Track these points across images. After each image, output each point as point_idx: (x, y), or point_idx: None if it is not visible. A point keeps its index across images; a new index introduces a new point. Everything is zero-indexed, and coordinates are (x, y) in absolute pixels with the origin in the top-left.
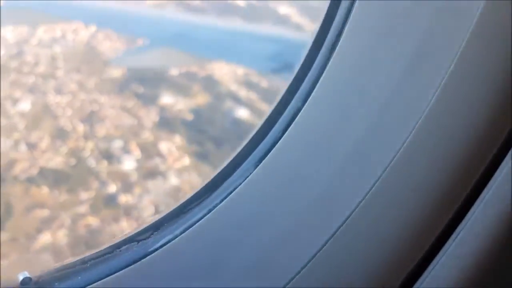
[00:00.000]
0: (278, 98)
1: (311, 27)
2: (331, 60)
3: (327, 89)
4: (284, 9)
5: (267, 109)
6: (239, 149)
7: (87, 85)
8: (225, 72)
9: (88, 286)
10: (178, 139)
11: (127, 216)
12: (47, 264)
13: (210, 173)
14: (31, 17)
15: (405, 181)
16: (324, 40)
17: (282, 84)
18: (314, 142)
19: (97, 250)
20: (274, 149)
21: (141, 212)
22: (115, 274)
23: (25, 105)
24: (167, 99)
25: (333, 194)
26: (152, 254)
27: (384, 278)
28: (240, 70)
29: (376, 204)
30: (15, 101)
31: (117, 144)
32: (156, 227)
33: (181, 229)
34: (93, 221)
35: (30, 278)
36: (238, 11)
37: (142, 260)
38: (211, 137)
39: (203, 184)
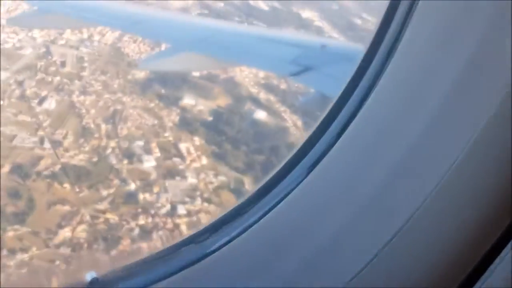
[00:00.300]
0: (331, 103)
1: (331, 31)
2: (389, 64)
3: (386, 91)
4: (306, 13)
5: (285, 111)
6: (292, 153)
7: (111, 86)
8: (246, 74)
9: (150, 286)
10: (197, 139)
11: (145, 214)
12: (66, 258)
13: (227, 173)
14: (60, 20)
15: (468, 183)
16: (381, 42)
17: (300, 87)
18: (371, 145)
19: (158, 251)
20: (331, 151)
21: (159, 210)
22: (176, 275)
23: (51, 103)
24: (188, 100)
25: (392, 196)
26: (211, 255)
27: (443, 279)
28: (261, 73)
29: (438, 206)
30: (41, 100)
31: (138, 143)
32: (213, 229)
33: (237, 231)
34: (112, 217)
35: (97, 279)
36: (262, 14)
37: (202, 261)
38: (229, 138)
39: (258, 187)
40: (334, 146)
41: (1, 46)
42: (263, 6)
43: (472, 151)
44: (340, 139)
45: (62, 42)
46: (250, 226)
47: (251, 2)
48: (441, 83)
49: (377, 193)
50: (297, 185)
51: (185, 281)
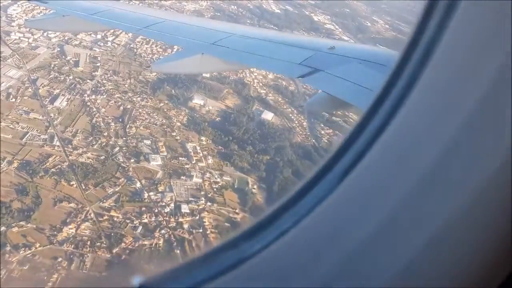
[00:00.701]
0: (364, 110)
1: (342, 33)
2: (425, 71)
3: (420, 98)
4: (318, 16)
5: (292, 112)
6: (324, 160)
7: (122, 85)
8: (255, 76)
9: None
10: (204, 139)
11: (149, 212)
12: (69, 255)
13: (232, 173)
14: (76, 23)
15: (503, 191)
16: (416, 46)
17: (309, 88)
18: (405, 151)
19: (197, 255)
20: (365, 157)
21: (163, 208)
22: (215, 280)
23: (62, 102)
24: (197, 101)
25: (425, 202)
26: (249, 260)
27: (483, 280)
28: (270, 75)
29: (474, 211)
30: (53, 98)
31: (146, 142)
32: (251, 233)
33: (273, 235)
34: (116, 215)
35: (143, 284)
36: (273, 17)
37: (240, 266)
38: (236, 138)
39: (292, 193)
40: (369, 152)
41: (17, 45)
42: (275, 8)
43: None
44: (374, 145)
45: (76, 42)
46: (286, 231)
47: (264, 5)
48: (475, 91)
49: (410, 198)
50: (332, 190)
51: (224, 285)
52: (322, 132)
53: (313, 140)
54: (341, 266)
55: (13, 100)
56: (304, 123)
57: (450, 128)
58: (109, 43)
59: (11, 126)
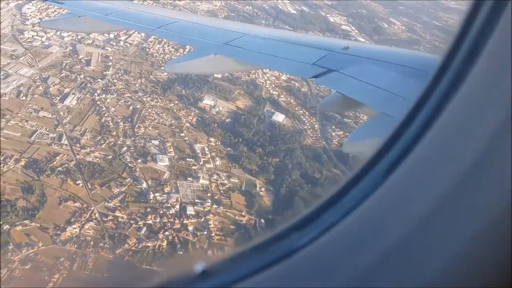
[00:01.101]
0: (408, 108)
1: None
2: (476, 65)
3: (466, 93)
4: (334, 17)
5: (304, 114)
6: (367, 158)
7: (133, 85)
8: (268, 77)
9: (238, 284)
10: (213, 140)
11: (154, 214)
12: (71, 255)
13: (240, 175)
14: (90, 23)
15: None
16: (461, 44)
17: (321, 89)
18: (448, 149)
19: (245, 247)
20: (409, 156)
21: (168, 210)
22: (263, 273)
23: (72, 101)
24: (207, 101)
25: (467, 197)
26: (296, 253)
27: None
28: (283, 76)
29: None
30: (63, 97)
31: (154, 142)
32: (297, 228)
33: (318, 230)
34: (121, 215)
35: (206, 270)
36: (289, 18)
37: (286, 259)
38: (245, 139)
39: (336, 189)
40: (413, 151)
41: (30, 44)
42: (291, 9)
43: None
44: (418, 144)
45: (89, 41)
46: (331, 226)
47: (280, 6)
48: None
49: (453, 194)
50: (376, 187)
51: (272, 278)
52: (333, 134)
53: (323, 142)
54: (380, 262)
55: (24, 98)
56: (316, 125)
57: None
58: (122, 43)
59: (20, 124)
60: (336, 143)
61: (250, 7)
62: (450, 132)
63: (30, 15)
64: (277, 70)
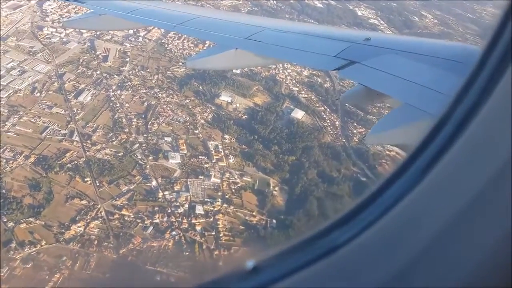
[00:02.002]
0: (442, 110)
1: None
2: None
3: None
4: (362, 11)
5: (325, 111)
6: (404, 157)
7: (149, 81)
8: (289, 73)
9: (282, 280)
10: (227, 138)
11: (162, 212)
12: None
13: (253, 173)
14: (112, 21)
15: None
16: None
17: (345, 85)
18: (483, 148)
19: (292, 243)
20: (445, 155)
21: (177, 209)
22: (308, 268)
23: (86, 97)
24: (224, 98)
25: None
26: (337, 251)
27: None
28: (305, 72)
29: None
30: (77, 93)
31: (166, 139)
32: (339, 224)
33: (359, 227)
34: (127, 214)
35: (256, 266)
36: (314, 12)
37: (331, 255)
38: (261, 137)
39: (375, 187)
40: (449, 151)
41: (48, 40)
42: (318, 3)
43: None
44: (455, 144)
45: (108, 37)
46: (371, 223)
47: (306, 0)
48: None
49: (486, 194)
50: (413, 187)
51: (314, 276)
52: (354, 131)
53: (343, 140)
54: (417, 260)
55: (38, 94)
56: (337, 122)
57: None
58: (141, 38)
59: (33, 120)
60: (357, 140)
61: (274, 1)
62: (487, 131)
63: (50, 11)
64: (298, 63)
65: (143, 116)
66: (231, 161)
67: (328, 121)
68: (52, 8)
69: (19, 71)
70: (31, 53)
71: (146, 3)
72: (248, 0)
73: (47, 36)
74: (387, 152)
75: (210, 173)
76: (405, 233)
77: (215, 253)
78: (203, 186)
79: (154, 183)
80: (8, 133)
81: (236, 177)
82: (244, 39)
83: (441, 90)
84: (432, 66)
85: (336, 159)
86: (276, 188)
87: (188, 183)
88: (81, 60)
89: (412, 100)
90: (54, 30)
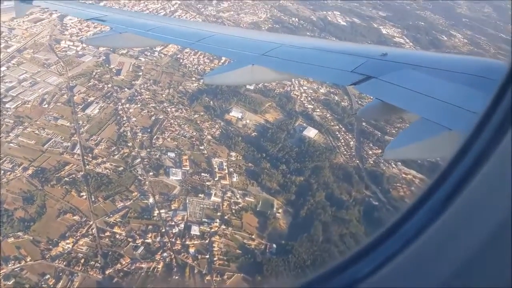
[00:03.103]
0: (459, 143)
1: (412, 48)
2: None
3: None
4: (387, 29)
5: (340, 130)
6: (427, 185)
7: (160, 95)
8: (305, 90)
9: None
10: (234, 155)
11: (155, 232)
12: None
13: (257, 194)
14: (131, 38)
15: None
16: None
17: (362, 104)
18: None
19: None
20: (464, 191)
21: (171, 228)
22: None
23: (94, 110)
24: (234, 113)
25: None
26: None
27: None
28: (322, 89)
29: None
30: (85, 105)
31: (170, 155)
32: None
33: (381, 259)
34: (119, 232)
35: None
36: (337, 29)
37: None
38: (269, 155)
39: (395, 219)
40: (468, 186)
41: (64, 53)
42: (341, 21)
43: None
44: (478, 175)
45: (123, 51)
46: (393, 255)
47: (329, 17)
48: None
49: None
50: (436, 217)
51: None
52: (370, 152)
53: (357, 161)
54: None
55: (46, 106)
56: (351, 142)
57: None
58: (156, 53)
59: (37, 132)
60: (372, 162)
61: (296, 19)
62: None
63: (70, 25)
64: (314, 78)
65: (149, 130)
66: (234, 179)
67: (343, 140)
68: (72, 22)
69: (30, 82)
70: (45, 65)
71: (164, 21)
72: (269, 17)
73: (63, 49)
74: (404, 175)
75: (211, 192)
76: (426, 265)
77: (207, 278)
78: (202, 205)
79: (151, 200)
80: (10, 144)
81: (238, 196)
82: (260, 55)
83: (458, 104)
84: (449, 80)
85: (347, 181)
86: (280, 210)
87: (187, 201)
88: (94, 73)
89: (429, 114)
90: (71, 43)
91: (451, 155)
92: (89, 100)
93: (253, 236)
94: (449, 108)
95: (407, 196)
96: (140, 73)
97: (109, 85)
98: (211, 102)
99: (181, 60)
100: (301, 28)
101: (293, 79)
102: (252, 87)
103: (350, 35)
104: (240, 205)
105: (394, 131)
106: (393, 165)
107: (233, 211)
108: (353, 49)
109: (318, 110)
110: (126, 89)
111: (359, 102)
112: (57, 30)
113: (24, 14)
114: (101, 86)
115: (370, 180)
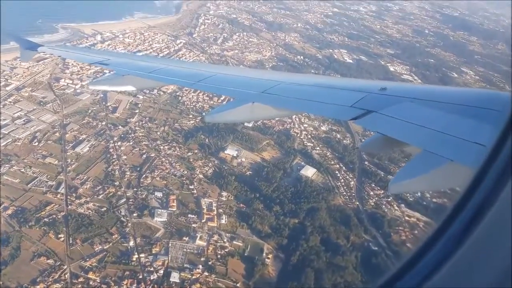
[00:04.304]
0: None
1: (419, 85)
2: None
3: None
4: (395, 67)
5: (340, 169)
6: (439, 222)
7: (154, 133)
8: (305, 127)
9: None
10: (225, 195)
11: (132, 278)
12: None
13: (247, 237)
14: (133, 80)
15: None
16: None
17: (363, 140)
18: None
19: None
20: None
21: (150, 275)
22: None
23: (84, 148)
24: (230, 151)
25: None
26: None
27: None
28: (324, 127)
29: None
30: (76, 144)
31: (157, 195)
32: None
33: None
34: (94, 278)
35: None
36: (342, 67)
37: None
38: (263, 196)
39: (405, 259)
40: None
41: (62, 91)
42: (348, 59)
43: None
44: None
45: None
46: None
47: (335, 55)
48: None
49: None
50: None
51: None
52: (371, 193)
53: (357, 202)
54: None
55: (36, 144)
56: (352, 182)
57: None
58: (155, 91)
59: (23, 170)
60: (373, 204)
61: (301, 57)
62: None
63: (72, 64)
64: (313, 114)
65: (139, 169)
66: (223, 221)
67: (342, 180)
68: (74, 61)
69: (24, 120)
70: (41, 103)
71: (165, 63)
72: (274, 56)
73: (62, 87)
74: (407, 218)
75: (197, 235)
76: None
77: None
78: (185, 249)
79: (131, 243)
80: None
81: (225, 240)
82: (260, 92)
83: (459, 135)
84: (448, 112)
85: (345, 224)
86: (270, 256)
87: (170, 245)
88: (89, 111)
89: (430, 146)
90: (70, 81)
91: (451, 206)
92: (80, 138)
93: (238, 285)
94: (450, 139)
95: (409, 241)
96: (137, 111)
97: (103, 123)
98: (207, 140)
99: (180, 98)
100: (305, 66)
101: (293, 117)
102: (250, 125)
103: (355, 73)
104: (227, 250)
105: (398, 170)
106: (396, 207)
107: (219, 256)
108: (352, 84)
109: (318, 148)
110: (120, 127)
111: (362, 140)
112: (59, 68)
113: (30, 59)
114: (95, 123)
115: (370, 223)
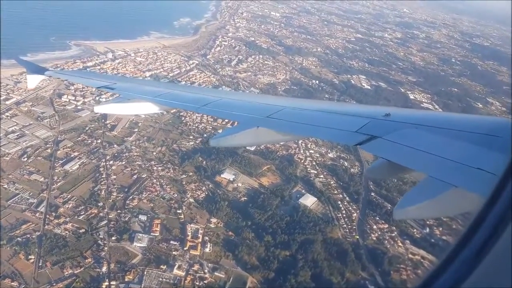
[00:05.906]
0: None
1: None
2: None
3: None
4: (415, 95)
5: (343, 200)
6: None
7: (150, 153)
8: (310, 153)
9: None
10: (214, 221)
11: None
12: None
13: (230, 268)
14: (139, 105)
15: None
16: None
17: (369, 169)
18: None
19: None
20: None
21: None
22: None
23: (74, 165)
24: (226, 175)
25: None
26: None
27: None
28: (331, 154)
29: None
30: (66, 161)
31: (141, 218)
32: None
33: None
34: None
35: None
36: (359, 93)
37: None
38: (255, 224)
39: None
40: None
41: (63, 107)
42: (366, 85)
43: None
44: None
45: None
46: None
47: (353, 81)
48: None
49: None
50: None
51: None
52: (374, 227)
53: (357, 236)
54: None
55: (25, 159)
56: (355, 214)
57: None
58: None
59: (5, 186)
60: (375, 238)
61: (317, 81)
62: None
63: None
64: (318, 138)
65: (126, 190)
66: (207, 249)
67: (344, 211)
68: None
69: (18, 135)
70: (39, 118)
71: (171, 88)
72: (288, 79)
73: (63, 103)
74: (410, 255)
75: (176, 263)
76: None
77: None
78: (161, 279)
79: (104, 269)
80: None
81: (206, 270)
82: (265, 117)
83: (464, 161)
84: (453, 138)
85: (341, 259)
86: None
87: (144, 273)
88: (86, 128)
89: (435, 172)
90: (73, 98)
91: (452, 245)
92: (71, 155)
93: None
94: (454, 166)
95: (410, 281)
96: (136, 130)
97: (99, 141)
98: (204, 162)
99: (183, 118)
100: (319, 91)
101: (300, 142)
102: (252, 148)
103: (372, 99)
104: (206, 281)
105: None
106: (400, 243)
107: (196, 287)
108: (357, 110)
109: (321, 176)
110: (115, 146)
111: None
112: (63, 85)
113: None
114: (89, 141)
115: (369, 260)
